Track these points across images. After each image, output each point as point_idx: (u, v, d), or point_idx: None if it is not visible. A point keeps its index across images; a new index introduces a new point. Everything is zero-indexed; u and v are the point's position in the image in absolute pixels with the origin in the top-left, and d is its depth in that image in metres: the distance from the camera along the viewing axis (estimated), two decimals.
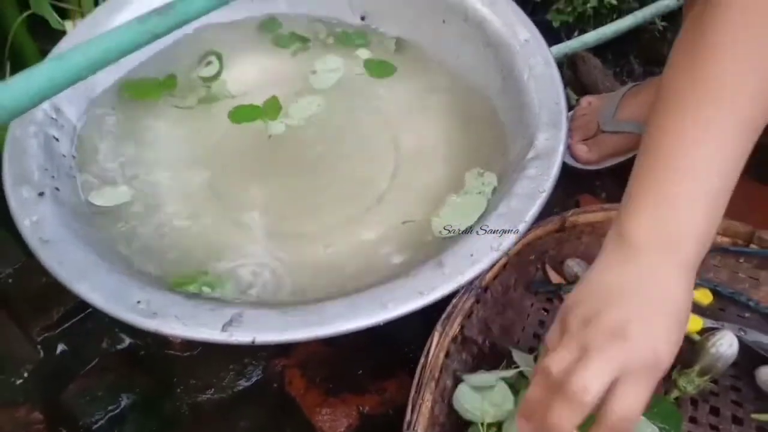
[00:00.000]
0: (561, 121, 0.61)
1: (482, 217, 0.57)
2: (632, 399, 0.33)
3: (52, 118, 0.65)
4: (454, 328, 0.48)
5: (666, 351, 0.34)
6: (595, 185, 0.79)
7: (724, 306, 0.58)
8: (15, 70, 0.77)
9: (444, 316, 0.48)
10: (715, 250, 0.58)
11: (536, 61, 0.66)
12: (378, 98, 0.74)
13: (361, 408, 0.55)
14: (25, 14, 0.77)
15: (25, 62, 0.83)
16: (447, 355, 0.47)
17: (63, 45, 0.70)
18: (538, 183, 0.56)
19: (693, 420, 0.51)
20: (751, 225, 0.58)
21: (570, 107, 0.80)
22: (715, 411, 0.51)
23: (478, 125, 0.69)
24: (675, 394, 0.51)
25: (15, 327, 0.64)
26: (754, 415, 0.51)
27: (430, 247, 0.57)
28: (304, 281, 0.57)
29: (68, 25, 0.82)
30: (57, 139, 0.64)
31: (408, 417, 0.44)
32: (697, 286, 0.57)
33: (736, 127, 0.37)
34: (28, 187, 0.57)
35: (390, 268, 0.57)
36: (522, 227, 0.53)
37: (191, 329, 0.47)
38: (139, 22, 0.46)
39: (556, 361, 0.35)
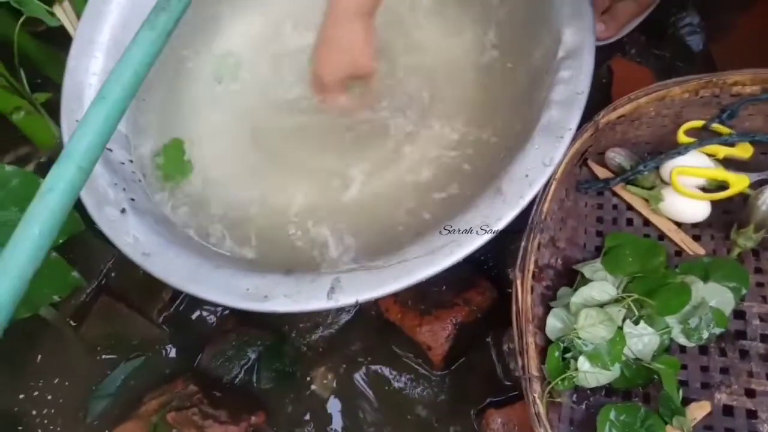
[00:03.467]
0: (585, 8, 0.59)
1: None
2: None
3: None
4: (531, 268, 0.51)
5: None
6: (622, 42, 0.78)
7: (766, 150, 0.61)
8: (28, 75, 0.79)
9: (519, 261, 0.51)
10: (747, 100, 0.59)
11: None
12: None
13: (453, 320, 0.63)
14: (21, 19, 0.76)
15: (34, 64, 0.83)
16: (531, 291, 0.51)
17: (73, 50, 0.70)
18: (574, 85, 0.57)
19: (758, 270, 0.56)
20: None
21: None
22: None
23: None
24: (736, 251, 0.56)
25: (137, 315, 0.73)
26: None
27: None
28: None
29: (57, 11, 0.80)
30: (110, 150, 0.67)
31: (521, 362, 0.49)
32: (735, 142, 0.59)
33: None
34: (109, 208, 0.61)
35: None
36: (567, 136, 0.55)
37: (302, 303, 0.54)
38: (151, 28, 0.46)
39: None
